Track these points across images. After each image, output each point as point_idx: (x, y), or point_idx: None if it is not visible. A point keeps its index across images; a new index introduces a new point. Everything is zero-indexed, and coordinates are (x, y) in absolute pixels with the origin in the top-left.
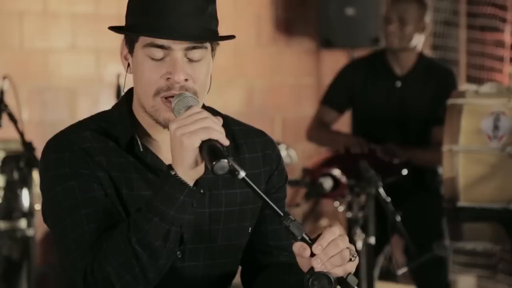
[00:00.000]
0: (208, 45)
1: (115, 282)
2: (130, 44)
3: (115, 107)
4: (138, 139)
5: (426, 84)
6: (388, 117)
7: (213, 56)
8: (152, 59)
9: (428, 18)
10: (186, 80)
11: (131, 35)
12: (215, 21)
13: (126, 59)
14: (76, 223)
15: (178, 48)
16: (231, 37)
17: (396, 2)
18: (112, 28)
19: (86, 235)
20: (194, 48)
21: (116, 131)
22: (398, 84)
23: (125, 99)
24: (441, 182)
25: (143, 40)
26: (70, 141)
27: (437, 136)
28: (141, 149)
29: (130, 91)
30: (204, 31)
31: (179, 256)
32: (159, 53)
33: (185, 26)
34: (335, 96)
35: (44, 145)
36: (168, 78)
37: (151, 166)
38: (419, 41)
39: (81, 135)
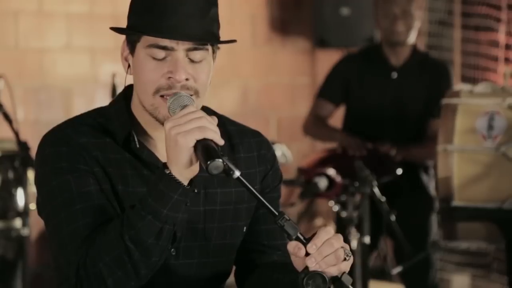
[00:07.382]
0: (209, 47)
1: (107, 277)
2: (131, 44)
3: (112, 103)
4: (134, 135)
5: (422, 76)
6: (384, 109)
7: (214, 58)
8: (154, 58)
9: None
10: (187, 79)
11: (133, 35)
12: (217, 24)
13: (126, 60)
14: (71, 217)
15: (180, 48)
16: (232, 41)
17: None
18: (114, 29)
19: (80, 230)
20: (195, 49)
21: (113, 127)
22: (394, 75)
23: (123, 96)
24: (433, 180)
25: (145, 40)
26: (67, 135)
27: (432, 129)
28: (137, 146)
29: (128, 88)
30: (206, 33)
31: (173, 253)
32: (161, 53)
33: (188, 27)
34: (330, 89)
35: (40, 140)
36: (169, 77)
37: (147, 163)
38: (414, 34)
39: (78, 130)
